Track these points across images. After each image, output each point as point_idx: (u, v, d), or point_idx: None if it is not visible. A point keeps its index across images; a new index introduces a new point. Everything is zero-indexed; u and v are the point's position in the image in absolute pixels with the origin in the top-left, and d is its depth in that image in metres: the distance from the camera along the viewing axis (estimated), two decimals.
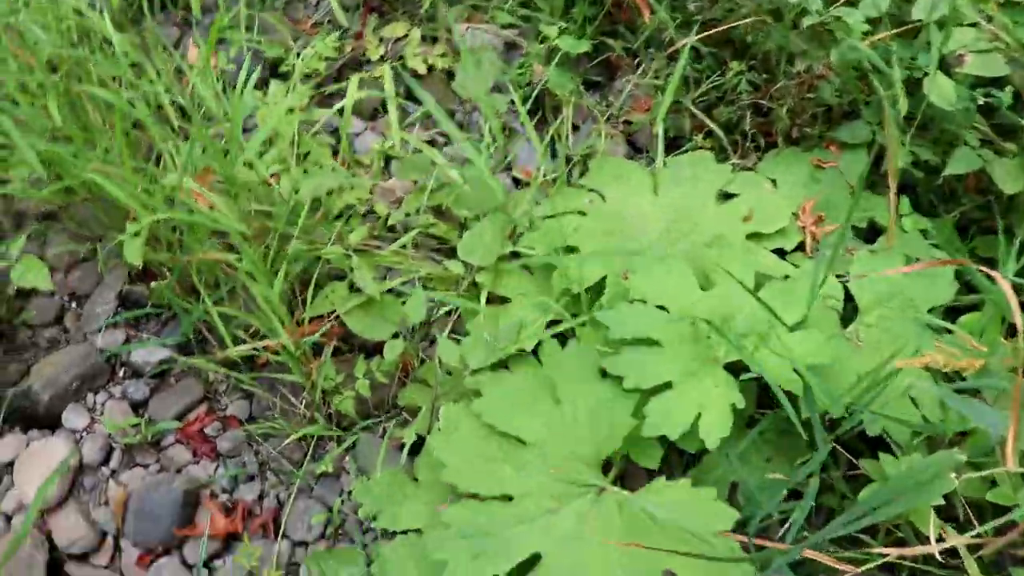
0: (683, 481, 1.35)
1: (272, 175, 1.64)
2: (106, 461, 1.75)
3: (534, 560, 1.34)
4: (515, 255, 1.77)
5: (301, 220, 1.59)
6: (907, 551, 1.28)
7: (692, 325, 1.44)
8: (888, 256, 1.66)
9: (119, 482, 1.72)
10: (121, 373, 1.84)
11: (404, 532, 1.56)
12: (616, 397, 1.41)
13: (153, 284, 1.70)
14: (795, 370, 1.38)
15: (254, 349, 1.63)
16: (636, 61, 2.20)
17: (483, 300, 1.69)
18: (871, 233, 1.80)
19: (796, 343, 1.42)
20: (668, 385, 1.38)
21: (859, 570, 1.32)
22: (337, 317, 1.71)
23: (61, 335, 1.86)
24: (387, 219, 1.82)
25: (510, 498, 1.40)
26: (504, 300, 1.72)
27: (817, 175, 1.82)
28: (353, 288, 1.67)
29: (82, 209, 1.83)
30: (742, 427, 1.48)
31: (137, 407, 1.80)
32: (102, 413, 1.78)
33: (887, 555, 1.29)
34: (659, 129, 1.91)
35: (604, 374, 1.44)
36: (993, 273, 1.01)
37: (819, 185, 1.80)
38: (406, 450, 1.65)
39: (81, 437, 1.76)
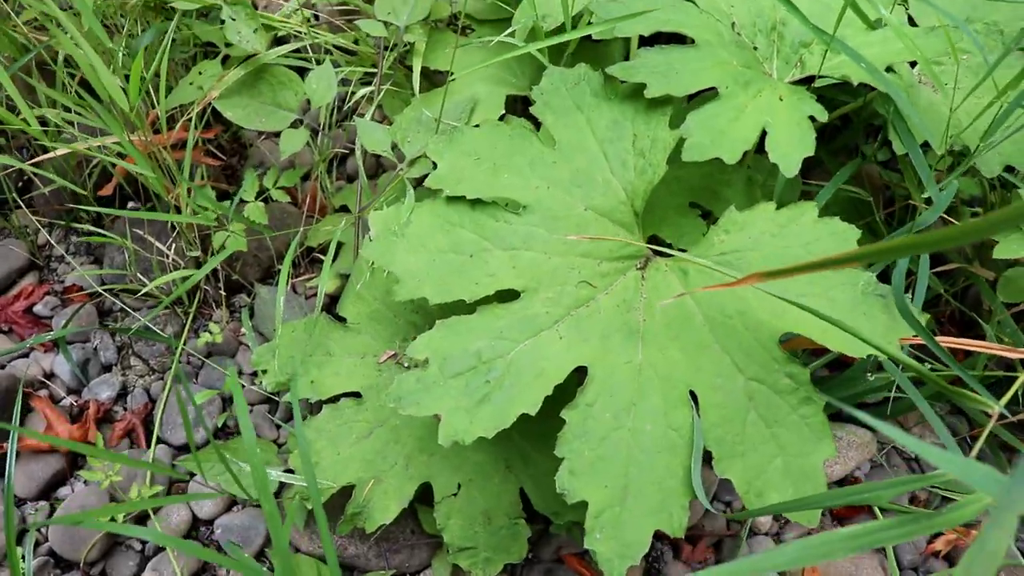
0: (764, 205, 0.87)
1: None
2: None
3: (574, 381, 0.84)
4: (454, 19, 1.28)
5: None
6: None
7: (733, 30, 0.96)
8: None
9: None
10: None
11: (334, 400, 1.05)
12: (638, 115, 0.91)
13: None
14: (889, 68, 0.91)
15: (101, 175, 1.09)
16: None
17: (416, 72, 1.18)
18: None
19: (879, 41, 0.96)
20: (713, 95, 0.89)
21: None
22: (209, 117, 1.18)
23: None
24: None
25: (516, 297, 0.88)
26: (443, 79, 1.22)
27: None
28: (231, 62, 1.14)
29: None
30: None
31: None
32: None
33: None
34: None
35: (617, 96, 0.94)
36: None
37: None
38: (320, 297, 1.10)
39: None
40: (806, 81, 0.99)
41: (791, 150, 0.86)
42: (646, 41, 0.99)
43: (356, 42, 1.24)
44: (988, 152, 1.02)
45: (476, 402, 0.81)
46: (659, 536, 1.14)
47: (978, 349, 0.82)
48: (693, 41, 0.93)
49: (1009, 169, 1.08)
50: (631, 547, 0.78)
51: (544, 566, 1.09)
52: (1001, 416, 1.10)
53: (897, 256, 0.62)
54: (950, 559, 1.19)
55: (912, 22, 1.19)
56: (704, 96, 0.90)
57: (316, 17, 1.28)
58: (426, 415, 0.82)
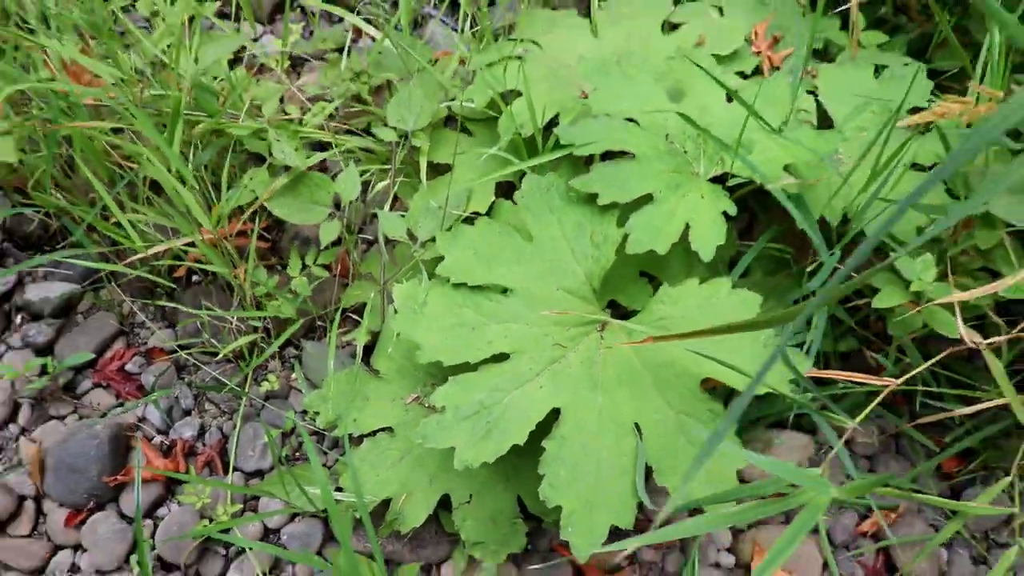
0: (689, 281, 1.19)
1: (167, 48, 1.41)
2: (13, 418, 1.50)
3: (551, 419, 1.16)
4: (451, 120, 1.59)
5: (205, 97, 1.36)
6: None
7: (667, 139, 1.27)
8: (856, 66, 1.53)
9: (31, 439, 1.48)
10: (18, 320, 1.59)
11: (372, 434, 1.37)
12: (594, 217, 1.23)
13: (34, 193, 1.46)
14: (786, 167, 1.23)
15: (175, 259, 1.40)
16: None
17: (424, 166, 1.50)
18: (826, 55, 1.67)
19: (782, 146, 1.27)
20: (649, 199, 1.21)
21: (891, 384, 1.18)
22: (260, 213, 1.50)
23: None
24: (303, 112, 1.61)
25: (506, 358, 1.20)
26: (446, 169, 1.53)
27: (765, 0, 1.67)
28: (275, 172, 1.46)
29: None
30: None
31: (41, 353, 1.55)
32: (3, 373, 1.53)
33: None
34: None
35: (577, 200, 1.26)
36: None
37: (767, 10, 1.65)
38: (360, 352, 1.43)
39: None
40: (726, 176, 1.30)
41: (707, 241, 1.17)
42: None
43: (375, 139, 1.55)
44: (873, 222, 1.32)
45: (480, 437, 1.13)
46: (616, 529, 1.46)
47: (839, 378, 1.13)
48: (635, 156, 1.24)
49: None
50: (594, 537, 1.10)
51: (540, 554, 1.41)
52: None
53: (774, 324, 0.92)
54: (876, 536, 1.50)
55: (820, 106, 1.50)
56: (643, 198, 1.21)
57: (336, 110, 1.58)
58: (444, 447, 1.13)
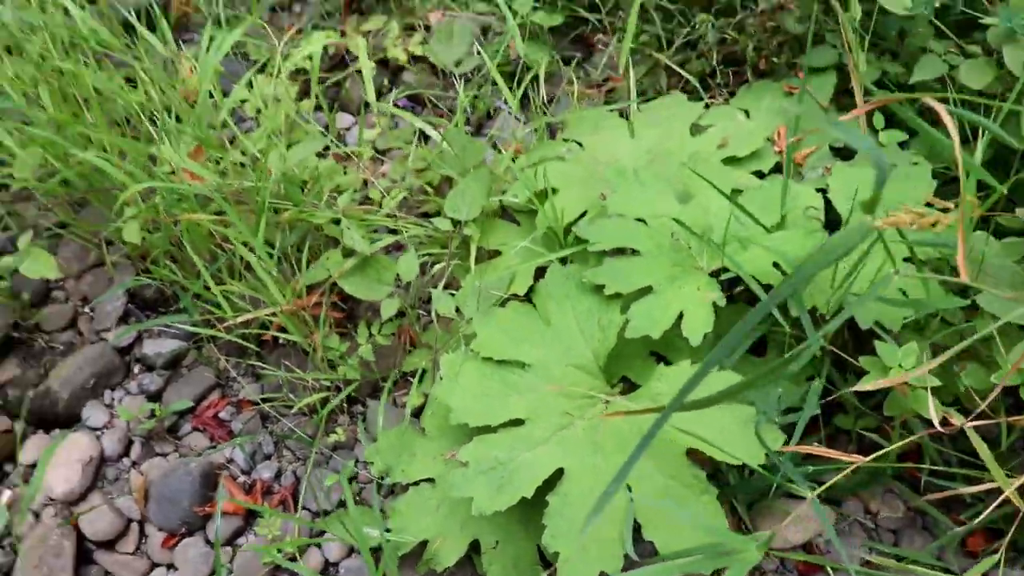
0: (683, 363, 1.36)
1: (260, 151, 1.70)
2: (126, 453, 1.79)
3: (557, 477, 1.36)
4: (503, 210, 1.82)
5: (291, 188, 1.64)
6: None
7: (672, 237, 1.47)
8: (865, 167, 1.68)
9: (140, 472, 1.76)
10: (136, 369, 1.89)
11: (416, 484, 1.59)
12: (602, 304, 1.43)
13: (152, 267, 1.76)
14: (775, 264, 1.40)
15: (262, 326, 1.67)
16: (614, 35, 2.26)
17: (473, 253, 1.73)
18: (849, 153, 1.82)
19: (776, 242, 1.44)
20: (649, 290, 1.40)
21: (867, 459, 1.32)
22: (334, 286, 1.75)
23: (76, 338, 1.92)
24: (381, 198, 1.88)
25: (521, 423, 1.41)
26: (495, 254, 1.76)
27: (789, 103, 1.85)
28: (347, 253, 1.71)
29: (86, 213, 1.90)
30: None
31: (152, 399, 1.84)
32: (121, 413, 1.82)
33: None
34: (628, 66, 1.95)
35: (589, 289, 1.47)
36: (936, 105, 1.02)
37: (792, 112, 1.83)
38: (408, 410, 1.67)
39: (101, 433, 1.80)
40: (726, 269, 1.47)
41: (696, 329, 1.36)
42: None
43: (433, 227, 1.80)
44: (859, 308, 1.47)
45: (495, 489, 1.34)
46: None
47: (815, 452, 1.28)
48: (640, 252, 1.44)
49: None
50: None
51: None
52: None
53: (727, 398, 1.09)
54: None
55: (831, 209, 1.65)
56: (644, 289, 1.40)
57: (407, 198, 1.84)
58: (466, 496, 1.34)
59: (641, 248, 1.44)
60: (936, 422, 1.33)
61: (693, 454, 1.35)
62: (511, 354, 1.45)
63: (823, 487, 1.28)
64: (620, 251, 1.49)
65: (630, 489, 1.33)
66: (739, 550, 1.02)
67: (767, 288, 1.39)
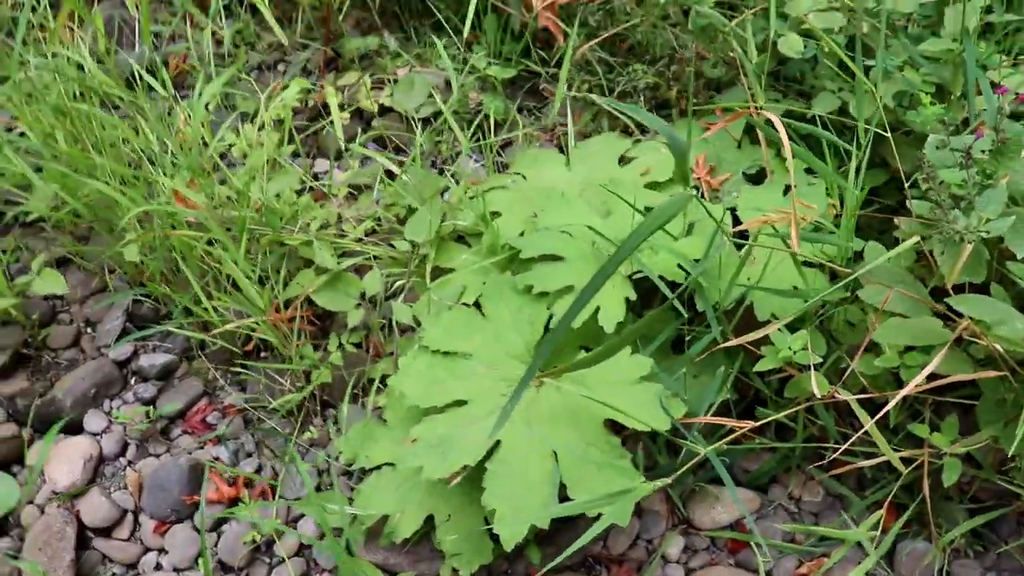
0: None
1: (244, 184, 1.96)
2: (123, 453, 2.01)
3: (495, 448, 1.58)
4: (459, 236, 2.07)
5: (271, 216, 1.90)
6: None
7: (593, 245, 1.72)
8: (770, 187, 1.94)
9: (135, 469, 1.98)
10: (132, 380, 2.12)
11: (379, 468, 1.80)
12: (531, 302, 1.68)
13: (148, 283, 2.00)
14: (679, 266, 1.65)
15: (246, 340, 1.91)
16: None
17: (429, 270, 1.97)
18: (759, 180, 2.08)
19: (682, 246, 1.69)
20: (571, 289, 1.65)
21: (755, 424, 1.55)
22: (310, 302, 2.00)
23: (79, 355, 2.15)
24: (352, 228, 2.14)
25: (464, 404, 1.65)
26: (450, 271, 2.00)
27: (708, 138, 2.11)
28: (319, 272, 1.96)
29: (91, 244, 2.15)
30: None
31: (147, 406, 2.07)
32: (118, 416, 2.05)
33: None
34: (568, 109, 2.22)
35: (521, 290, 1.71)
36: (772, 116, 1.27)
37: (709, 145, 2.09)
38: (371, 407, 1.91)
39: (100, 436, 2.02)
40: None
41: (610, 319, 1.60)
42: None
43: (395, 249, 2.05)
44: (759, 302, 1.71)
45: (440, 459, 1.56)
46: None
47: (710, 421, 1.51)
48: (564, 258, 1.69)
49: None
50: (518, 533, 1.49)
51: None
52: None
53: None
54: None
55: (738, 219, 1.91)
56: (566, 288, 1.65)
57: (376, 227, 2.09)
58: (415, 467, 1.57)
59: (565, 255, 1.70)
60: (818, 393, 1.56)
61: (611, 425, 1.58)
62: (456, 347, 1.69)
63: (721, 441, 1.50)
64: (549, 259, 1.74)
65: (556, 456, 1.55)
66: (639, 491, 1.25)
67: (672, 285, 1.63)
